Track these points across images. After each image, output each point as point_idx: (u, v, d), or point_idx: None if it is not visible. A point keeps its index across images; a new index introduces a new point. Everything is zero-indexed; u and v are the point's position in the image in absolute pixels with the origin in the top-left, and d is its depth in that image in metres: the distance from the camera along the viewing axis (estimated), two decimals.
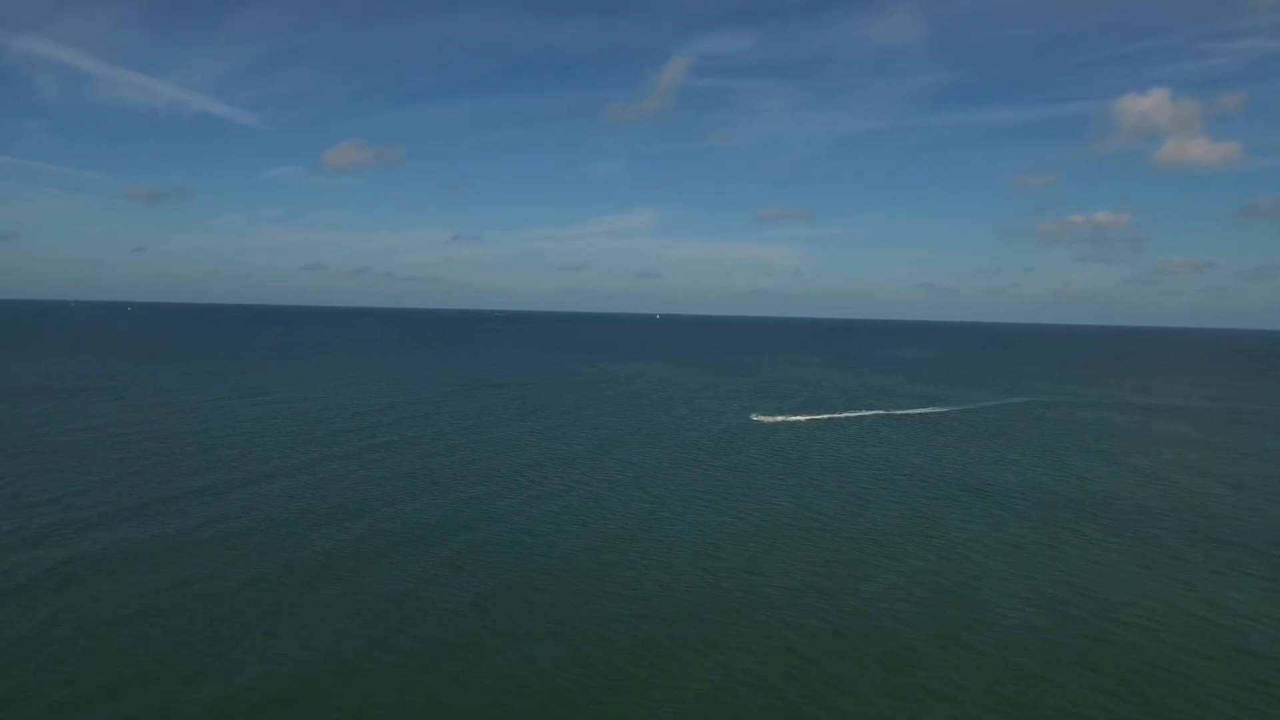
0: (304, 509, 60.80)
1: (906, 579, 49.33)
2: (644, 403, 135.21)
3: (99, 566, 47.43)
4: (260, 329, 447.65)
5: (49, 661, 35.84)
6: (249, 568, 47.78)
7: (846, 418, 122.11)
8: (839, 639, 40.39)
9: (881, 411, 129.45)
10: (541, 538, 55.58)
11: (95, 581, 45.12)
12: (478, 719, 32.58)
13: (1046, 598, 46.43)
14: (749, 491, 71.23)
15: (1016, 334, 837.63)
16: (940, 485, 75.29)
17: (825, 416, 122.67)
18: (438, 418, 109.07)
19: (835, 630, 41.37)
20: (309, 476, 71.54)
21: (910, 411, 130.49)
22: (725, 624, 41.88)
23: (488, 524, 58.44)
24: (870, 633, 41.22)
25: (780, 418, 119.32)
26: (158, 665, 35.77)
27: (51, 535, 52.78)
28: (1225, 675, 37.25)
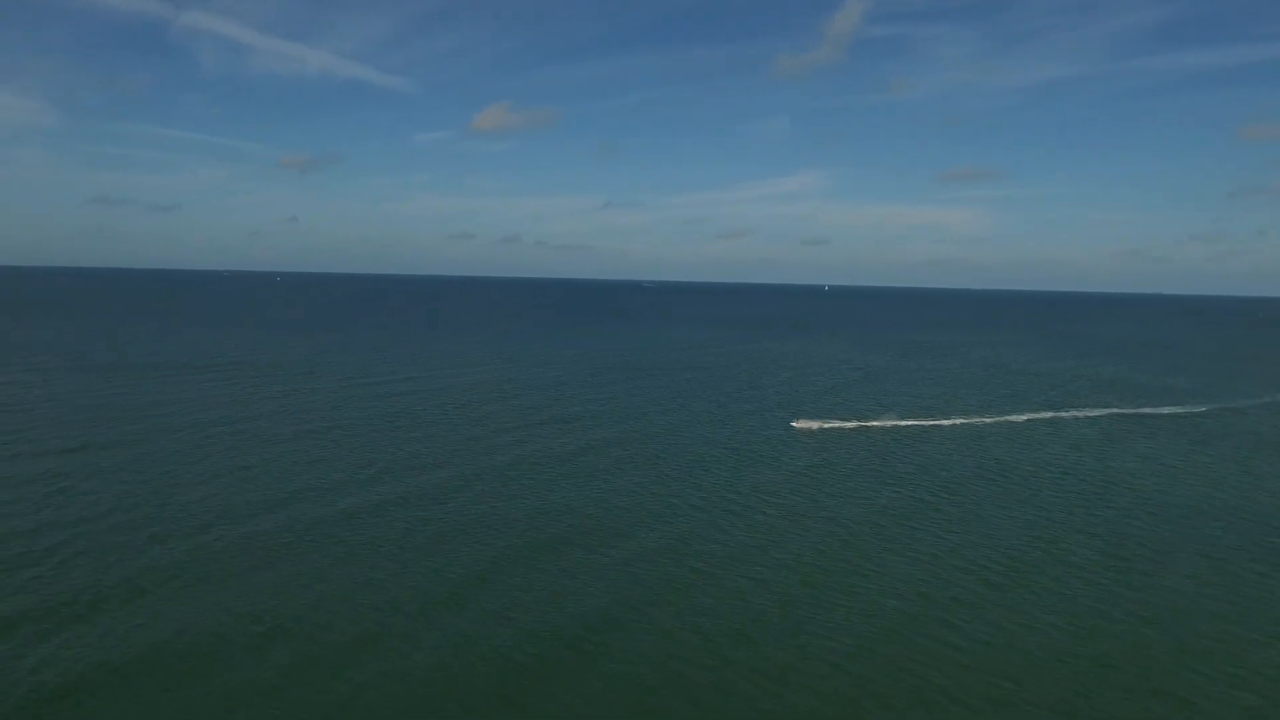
0: (403, 559, 51.98)
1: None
2: (831, 400, 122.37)
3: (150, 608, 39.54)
4: (404, 301, 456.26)
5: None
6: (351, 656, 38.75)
7: (1077, 418, 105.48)
8: None
9: (1117, 410, 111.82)
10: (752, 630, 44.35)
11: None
12: None
13: None
14: (979, 531, 57.90)
15: (1249, 309, 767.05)
16: (1259, 527, 59.63)
17: (1048, 415, 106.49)
18: (578, 425, 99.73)
19: None
20: (413, 506, 63.09)
21: (1155, 410, 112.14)
22: None
23: (664, 610, 47.80)
24: None
25: (993, 418, 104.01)
26: None
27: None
28: None
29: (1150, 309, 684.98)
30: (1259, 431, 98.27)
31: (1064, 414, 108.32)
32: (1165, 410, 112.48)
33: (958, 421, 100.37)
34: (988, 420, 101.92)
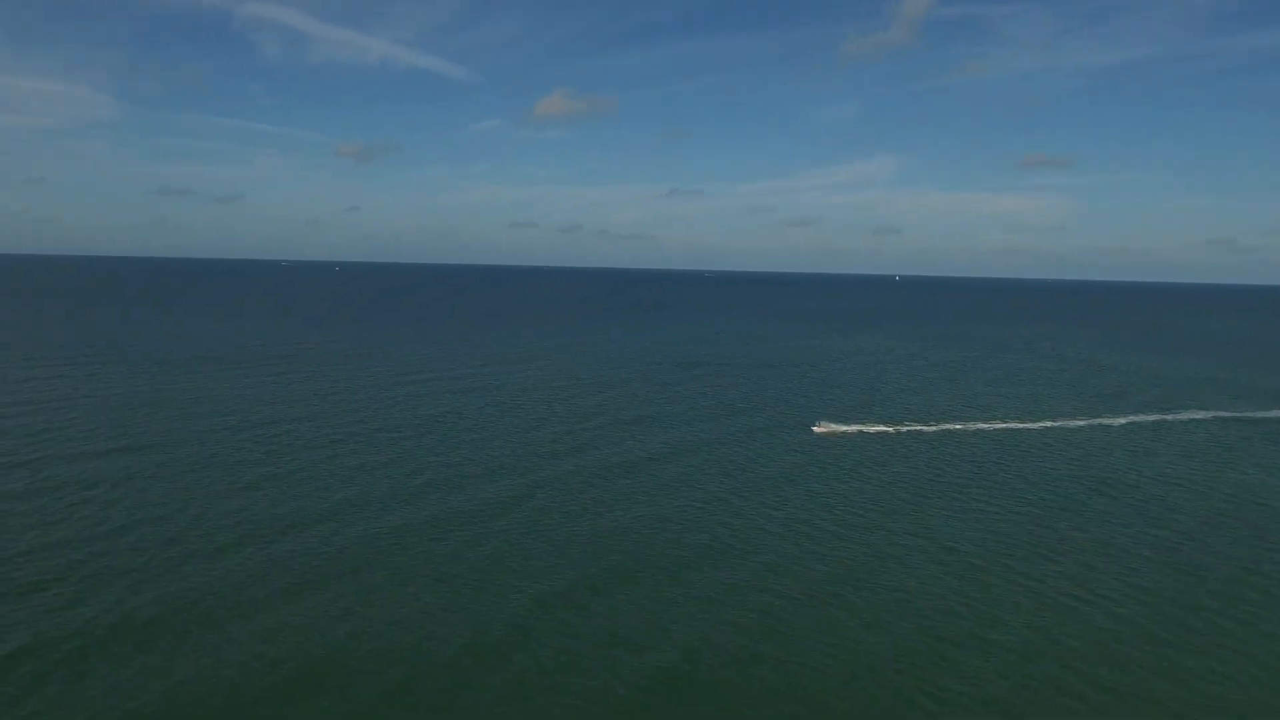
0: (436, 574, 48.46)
1: None
2: (912, 401, 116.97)
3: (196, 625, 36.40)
4: (461, 292, 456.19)
5: None
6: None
7: (1181, 421, 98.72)
8: None
9: (1225, 413, 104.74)
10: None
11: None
12: None
13: None
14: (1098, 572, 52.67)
15: None
16: None
17: (1150, 418, 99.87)
18: (643, 428, 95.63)
19: None
20: (464, 523, 59.71)
21: (1267, 414, 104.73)
22: None
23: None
24: None
25: (1086, 420, 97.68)
26: None
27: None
28: None
29: (1241, 301, 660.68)
30: None
31: (1167, 417, 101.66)
32: (1276, 413, 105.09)
33: (1048, 425, 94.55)
34: (1081, 423, 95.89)
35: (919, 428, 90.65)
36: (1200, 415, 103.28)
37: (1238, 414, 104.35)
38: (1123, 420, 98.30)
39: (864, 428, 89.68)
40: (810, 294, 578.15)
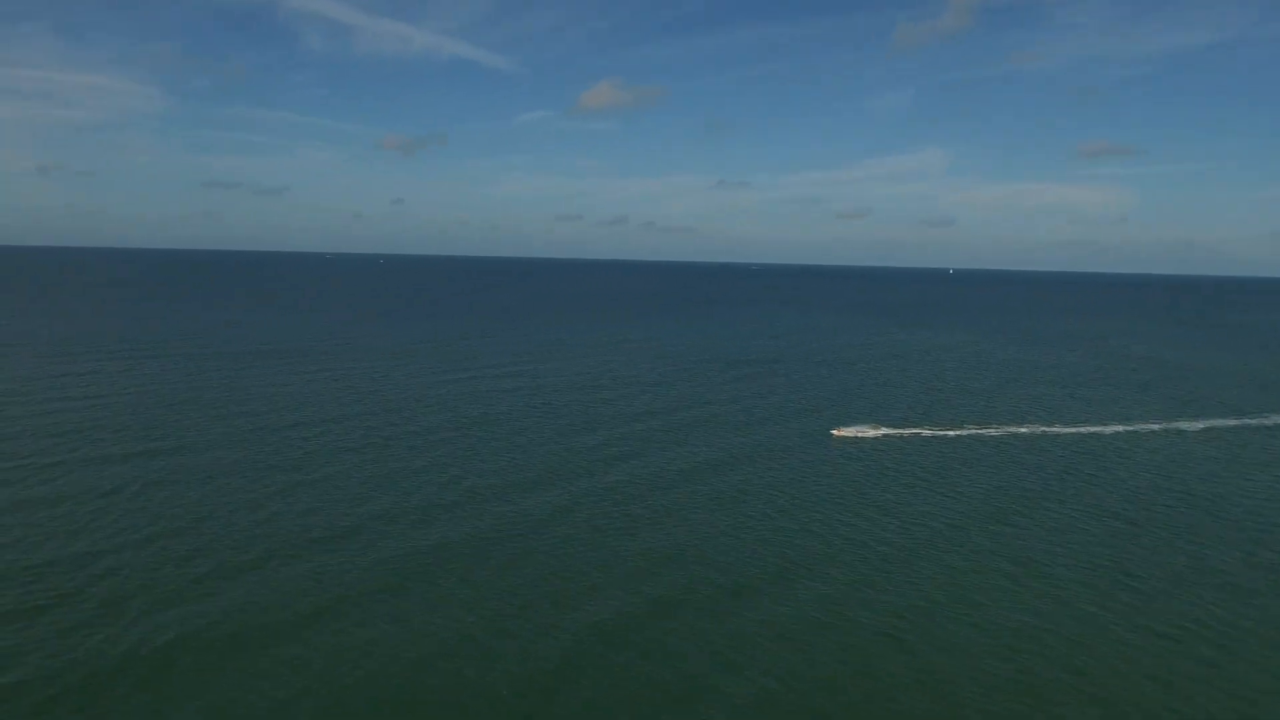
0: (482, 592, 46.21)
1: None
2: (977, 404, 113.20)
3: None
4: (505, 286, 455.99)
5: None
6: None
7: (1266, 426, 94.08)
8: None
9: None
10: None
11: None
12: None
13: None
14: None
15: None
16: None
17: (1232, 422, 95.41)
18: (696, 433, 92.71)
19: None
20: (507, 538, 57.58)
21: None
22: None
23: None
24: None
25: (1161, 424, 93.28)
26: None
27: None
28: None
29: None
30: None
31: (1249, 421, 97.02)
32: None
33: (1119, 429, 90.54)
34: (1155, 427, 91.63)
35: (982, 431, 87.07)
36: None
37: None
38: (1201, 425, 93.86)
39: (922, 430, 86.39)
40: (862, 288, 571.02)
